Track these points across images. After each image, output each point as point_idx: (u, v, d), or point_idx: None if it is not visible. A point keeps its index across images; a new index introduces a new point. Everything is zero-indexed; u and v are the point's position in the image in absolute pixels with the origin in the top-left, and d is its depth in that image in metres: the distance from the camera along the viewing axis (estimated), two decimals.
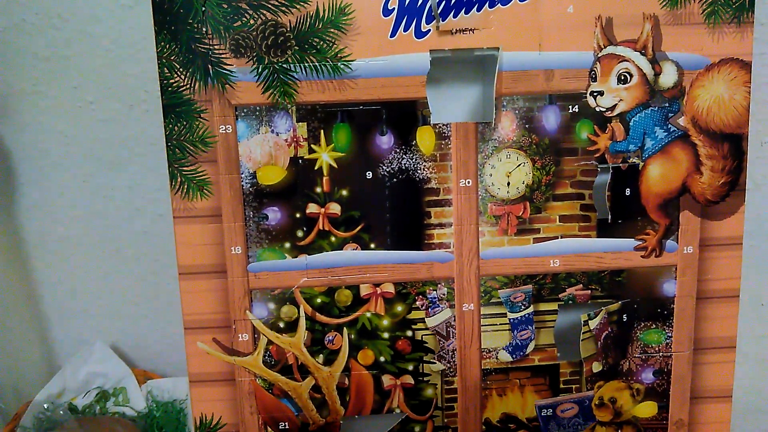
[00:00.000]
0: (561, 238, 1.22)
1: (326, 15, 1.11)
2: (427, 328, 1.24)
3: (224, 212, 1.17)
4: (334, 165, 1.18)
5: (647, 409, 1.29)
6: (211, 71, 1.12)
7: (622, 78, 1.16)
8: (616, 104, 1.17)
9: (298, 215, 1.19)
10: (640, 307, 1.25)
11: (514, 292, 1.23)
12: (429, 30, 1.13)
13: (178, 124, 1.14)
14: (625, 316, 1.25)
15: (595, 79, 1.16)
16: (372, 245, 1.20)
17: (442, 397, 1.27)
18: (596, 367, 1.27)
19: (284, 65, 1.13)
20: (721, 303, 1.25)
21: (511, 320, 1.25)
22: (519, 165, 1.20)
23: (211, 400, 1.24)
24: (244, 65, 1.13)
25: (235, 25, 1.11)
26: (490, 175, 1.20)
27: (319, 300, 1.22)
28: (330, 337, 1.23)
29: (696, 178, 1.19)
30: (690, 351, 1.26)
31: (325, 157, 1.17)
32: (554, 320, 1.25)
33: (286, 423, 1.25)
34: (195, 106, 1.14)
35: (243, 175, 1.17)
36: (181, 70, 1.12)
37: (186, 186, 1.16)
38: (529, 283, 1.23)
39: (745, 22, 1.15)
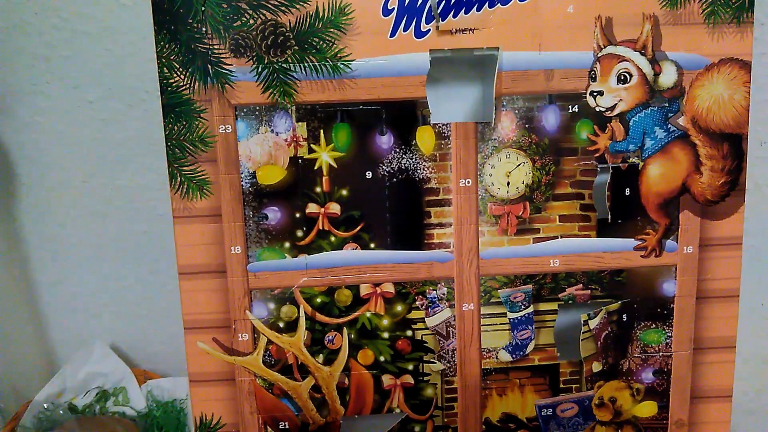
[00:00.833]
0: (561, 237, 1.22)
1: (326, 15, 1.11)
2: (427, 328, 1.24)
3: (224, 212, 1.17)
4: (334, 165, 1.18)
5: (647, 409, 1.29)
6: (210, 71, 1.12)
7: (622, 78, 1.16)
8: (616, 104, 1.17)
9: (297, 215, 1.19)
10: (639, 307, 1.25)
11: (514, 292, 1.24)
12: (429, 30, 1.13)
13: (178, 124, 1.14)
14: (624, 316, 1.26)
15: (594, 79, 1.16)
16: (372, 245, 1.21)
17: (442, 397, 1.27)
18: (596, 366, 1.27)
19: (284, 65, 1.13)
20: (721, 303, 1.25)
21: (511, 320, 1.25)
22: (519, 165, 1.20)
23: (211, 400, 1.24)
24: (243, 65, 1.13)
25: (234, 24, 1.11)
26: (490, 174, 1.20)
27: (319, 300, 1.22)
28: (330, 337, 1.23)
29: (696, 178, 1.19)
30: (690, 351, 1.26)
31: (325, 157, 1.17)
32: (554, 320, 1.26)
33: (286, 423, 1.25)
34: (195, 105, 1.14)
35: (243, 175, 1.17)
36: (180, 69, 1.12)
37: (186, 186, 1.16)
38: (529, 283, 1.24)
39: (745, 22, 1.15)
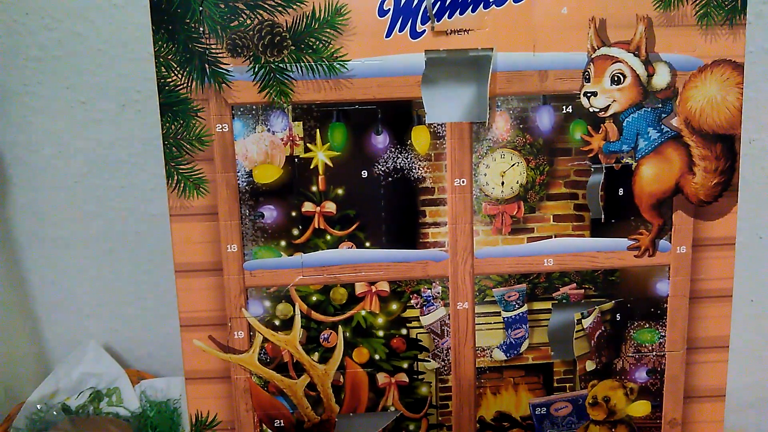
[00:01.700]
0: (555, 237, 1.23)
1: (322, 15, 1.12)
2: (421, 327, 1.25)
3: (220, 210, 1.17)
4: (330, 164, 1.18)
5: (641, 408, 1.30)
6: (208, 70, 1.13)
7: (616, 79, 1.17)
8: (610, 105, 1.18)
9: (293, 214, 1.19)
10: (633, 307, 1.26)
11: (508, 291, 1.24)
12: (424, 30, 1.14)
13: (175, 123, 1.14)
14: (618, 316, 1.26)
15: (588, 80, 1.17)
16: (367, 244, 1.21)
17: (436, 396, 1.27)
18: (590, 366, 1.28)
19: (280, 65, 1.13)
20: (714, 303, 1.25)
21: (505, 319, 1.25)
22: (513, 165, 1.20)
23: (206, 398, 1.24)
24: (240, 64, 1.13)
25: (232, 24, 1.11)
26: (485, 174, 1.20)
27: (314, 298, 1.22)
28: (325, 335, 1.23)
29: (689, 179, 1.20)
30: (683, 350, 1.27)
31: (321, 156, 1.18)
32: (548, 319, 1.26)
33: (282, 420, 1.25)
34: (192, 104, 1.14)
35: (239, 174, 1.17)
36: (178, 69, 1.12)
37: (182, 184, 1.16)
38: (523, 282, 1.24)
39: (738, 23, 1.16)
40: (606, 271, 1.24)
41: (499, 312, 1.25)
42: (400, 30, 1.13)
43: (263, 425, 1.26)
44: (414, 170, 1.19)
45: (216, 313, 1.21)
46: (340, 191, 1.19)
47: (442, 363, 1.26)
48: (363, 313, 1.23)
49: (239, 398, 1.24)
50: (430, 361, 1.26)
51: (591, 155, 1.20)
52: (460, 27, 1.14)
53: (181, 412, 1.50)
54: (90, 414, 1.49)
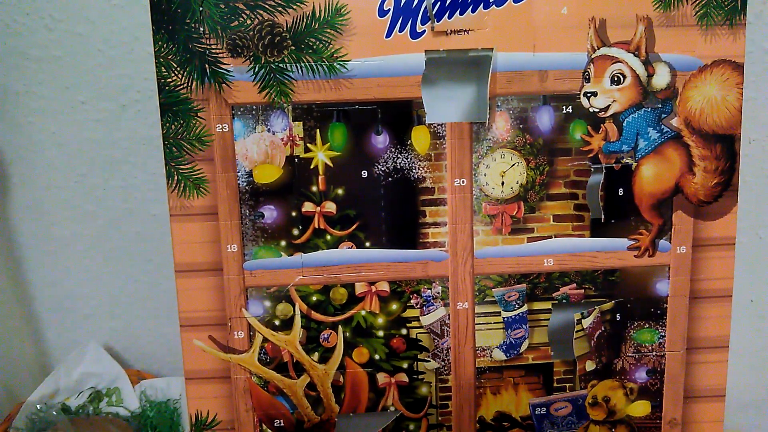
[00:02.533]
0: (555, 237, 1.23)
1: (322, 15, 1.12)
2: (421, 327, 1.25)
3: (220, 210, 1.17)
4: (330, 164, 1.18)
5: (641, 408, 1.30)
6: (208, 70, 1.13)
7: (616, 79, 1.17)
8: (610, 105, 1.18)
9: (293, 214, 1.19)
10: (633, 307, 1.26)
11: (508, 291, 1.24)
12: (424, 31, 1.14)
13: (175, 123, 1.14)
14: (618, 316, 1.26)
15: (588, 80, 1.17)
16: (367, 244, 1.21)
17: (436, 395, 1.27)
18: (590, 365, 1.28)
19: (281, 65, 1.13)
20: (714, 303, 1.25)
21: (505, 319, 1.25)
22: (513, 165, 1.20)
23: (206, 398, 1.24)
24: (240, 65, 1.13)
25: (232, 24, 1.11)
26: (485, 174, 1.20)
27: (314, 298, 1.22)
28: (325, 335, 1.23)
29: (689, 179, 1.20)
30: (683, 350, 1.27)
31: (321, 156, 1.18)
32: (548, 319, 1.26)
33: (282, 420, 1.25)
34: (192, 105, 1.14)
35: (239, 174, 1.17)
36: (178, 69, 1.13)
37: (183, 184, 1.16)
38: (523, 282, 1.24)
39: (738, 24, 1.16)
40: (606, 271, 1.24)
41: (499, 312, 1.25)
42: (400, 30, 1.13)
43: (263, 425, 1.26)
44: (414, 170, 1.19)
45: (216, 313, 1.21)
46: (340, 191, 1.19)
47: (442, 363, 1.26)
48: (363, 313, 1.23)
49: (239, 398, 1.24)
50: (430, 361, 1.26)
51: (591, 155, 1.20)
52: (460, 27, 1.14)
53: (181, 412, 1.50)
54: (90, 414, 1.49)
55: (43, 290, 1.66)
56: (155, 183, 1.56)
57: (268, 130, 1.17)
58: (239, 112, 1.16)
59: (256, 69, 1.13)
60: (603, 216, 1.22)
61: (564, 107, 1.18)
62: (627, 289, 1.25)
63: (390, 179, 1.19)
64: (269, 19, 1.11)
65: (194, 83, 1.13)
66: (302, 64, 1.13)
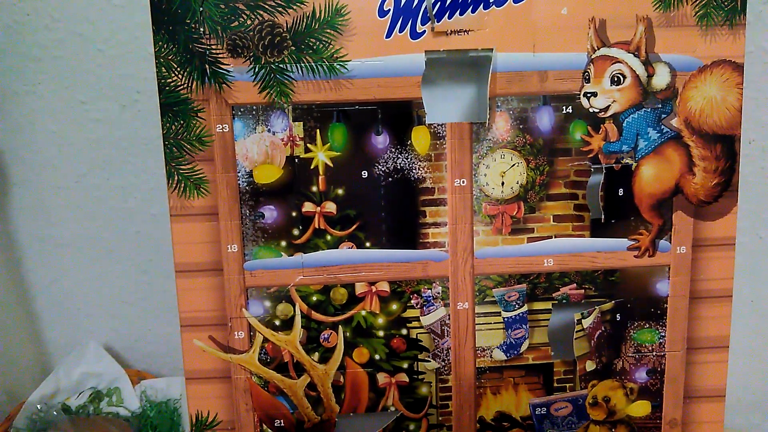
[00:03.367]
0: (555, 237, 1.23)
1: (322, 16, 1.12)
2: (421, 327, 1.25)
3: (221, 210, 1.17)
4: (330, 164, 1.18)
5: (641, 409, 1.30)
6: (208, 71, 1.13)
7: (616, 79, 1.17)
8: (610, 105, 1.18)
9: (294, 214, 1.19)
10: (633, 307, 1.26)
11: (509, 291, 1.24)
12: (424, 31, 1.14)
13: (176, 123, 1.14)
14: (618, 316, 1.26)
15: (588, 81, 1.17)
16: (367, 244, 1.21)
17: (436, 396, 1.27)
18: (590, 366, 1.28)
19: (281, 65, 1.13)
20: (714, 303, 1.25)
21: (506, 319, 1.25)
22: (513, 165, 1.20)
23: (206, 398, 1.24)
24: (241, 65, 1.13)
25: (232, 25, 1.11)
26: (485, 174, 1.20)
27: (314, 298, 1.22)
28: (325, 335, 1.23)
29: (689, 179, 1.20)
30: (683, 350, 1.27)
31: (321, 157, 1.18)
32: (548, 319, 1.26)
33: (282, 420, 1.25)
34: (192, 105, 1.14)
35: (239, 174, 1.17)
36: (178, 69, 1.13)
37: (183, 184, 1.16)
38: (523, 282, 1.24)
39: (738, 24, 1.16)
40: (606, 271, 1.24)
41: (499, 312, 1.25)
42: (401, 30, 1.13)
43: (263, 425, 1.26)
44: (414, 170, 1.19)
45: (216, 313, 1.21)
46: (340, 191, 1.19)
47: (442, 363, 1.26)
48: (363, 313, 1.23)
49: (239, 398, 1.24)
50: (430, 361, 1.26)
51: (591, 155, 1.20)
52: (460, 27, 1.14)
53: (181, 412, 1.50)
54: (90, 414, 1.49)
55: (43, 290, 1.66)
56: (155, 183, 1.56)
57: (269, 131, 1.17)
58: (239, 113, 1.16)
59: (257, 69, 1.13)
60: (603, 216, 1.22)
61: (564, 107, 1.18)
62: (627, 289, 1.25)
63: (390, 179, 1.19)
64: (269, 19, 1.11)
65: (194, 83, 1.13)
66: (302, 64, 1.13)
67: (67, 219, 1.60)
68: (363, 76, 1.14)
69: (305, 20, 1.12)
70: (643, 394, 1.29)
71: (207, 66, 1.13)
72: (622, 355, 1.28)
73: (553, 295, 1.25)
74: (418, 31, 1.14)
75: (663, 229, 1.22)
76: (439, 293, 1.23)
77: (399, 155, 1.18)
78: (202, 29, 1.11)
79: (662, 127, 1.19)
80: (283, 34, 1.12)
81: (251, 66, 1.13)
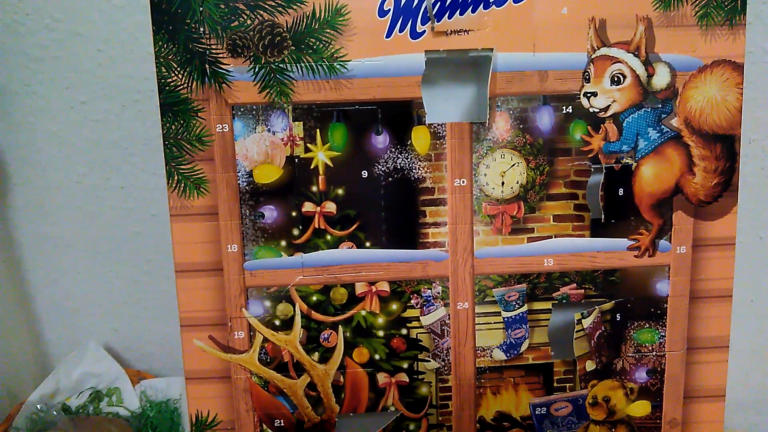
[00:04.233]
0: (555, 237, 1.23)
1: (322, 15, 1.12)
2: (421, 327, 1.25)
3: (221, 210, 1.18)
4: (330, 164, 1.18)
5: (641, 408, 1.30)
6: (208, 71, 1.13)
7: (616, 79, 1.17)
8: (610, 105, 1.18)
9: (294, 214, 1.19)
10: (633, 307, 1.26)
11: (509, 291, 1.24)
12: (424, 31, 1.14)
13: (176, 123, 1.14)
14: (618, 316, 1.26)
15: (588, 80, 1.17)
16: (367, 244, 1.21)
17: (436, 395, 1.27)
18: (590, 365, 1.28)
19: (281, 65, 1.13)
20: (714, 303, 1.25)
21: (506, 319, 1.25)
22: (513, 165, 1.20)
23: (206, 398, 1.24)
24: (241, 65, 1.13)
25: (232, 25, 1.11)
26: (485, 174, 1.20)
27: (314, 298, 1.22)
28: (325, 335, 1.23)
29: (689, 179, 1.20)
30: (683, 350, 1.27)
31: (321, 156, 1.18)
32: (548, 319, 1.26)
33: (282, 420, 1.25)
34: (192, 105, 1.14)
35: (239, 174, 1.17)
36: (178, 69, 1.13)
37: (183, 184, 1.16)
38: (523, 282, 1.24)
39: (738, 24, 1.16)
40: (606, 271, 1.24)
41: (499, 312, 1.25)
42: (401, 30, 1.13)
43: (263, 425, 1.26)
44: (414, 170, 1.19)
45: (216, 313, 1.21)
46: (340, 191, 1.19)
47: (442, 363, 1.26)
48: (363, 313, 1.23)
49: (239, 398, 1.24)
50: (430, 361, 1.26)
51: (591, 155, 1.20)
52: (460, 27, 1.14)
53: (181, 412, 1.50)
54: (90, 414, 1.49)
55: (43, 290, 1.66)
56: (155, 183, 1.56)
57: (269, 130, 1.17)
58: (239, 112, 1.16)
59: (257, 69, 1.13)
60: (603, 216, 1.22)
61: (564, 107, 1.18)
62: (627, 289, 1.25)
63: (390, 179, 1.19)
64: (269, 19, 1.12)
65: (194, 83, 1.13)
66: (302, 64, 1.13)
67: (67, 219, 1.60)
68: (363, 76, 1.15)
69: (305, 20, 1.12)
70: (643, 394, 1.29)
71: (207, 66, 1.13)
72: (622, 355, 1.28)
73: (553, 295, 1.25)
74: (418, 31, 1.14)
75: (663, 229, 1.22)
76: (439, 293, 1.23)
77: (399, 155, 1.19)
78: (202, 29, 1.11)
79: (662, 127, 1.19)
80: (283, 34, 1.12)
81: (251, 66, 1.13)
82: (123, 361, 1.67)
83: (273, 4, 1.11)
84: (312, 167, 1.18)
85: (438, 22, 1.13)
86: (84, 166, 1.57)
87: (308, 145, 1.18)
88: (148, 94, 1.52)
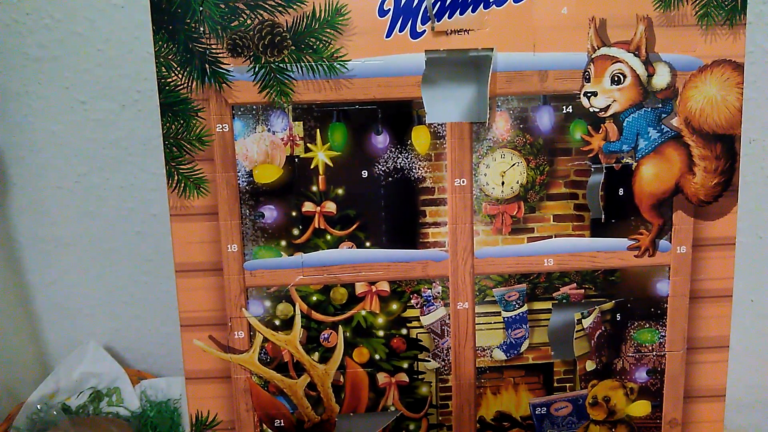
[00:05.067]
0: (555, 237, 1.23)
1: (322, 15, 1.12)
2: (421, 327, 1.25)
3: (221, 210, 1.18)
4: (330, 164, 1.18)
5: (641, 408, 1.30)
6: (208, 70, 1.13)
7: (616, 79, 1.17)
8: (610, 105, 1.18)
9: (294, 213, 1.19)
10: (633, 307, 1.26)
11: (509, 291, 1.24)
12: (424, 31, 1.14)
13: (176, 123, 1.14)
14: (618, 315, 1.26)
15: (588, 80, 1.17)
16: (367, 244, 1.21)
17: (436, 395, 1.27)
18: (590, 365, 1.28)
19: (281, 65, 1.13)
20: (714, 303, 1.25)
21: (506, 319, 1.25)
22: (513, 165, 1.20)
23: (206, 397, 1.24)
24: (241, 65, 1.13)
25: (232, 24, 1.11)
26: (485, 174, 1.20)
27: (314, 298, 1.22)
28: (325, 335, 1.23)
29: (689, 179, 1.20)
30: (683, 350, 1.27)
31: (321, 156, 1.18)
32: (548, 319, 1.26)
33: (282, 420, 1.25)
34: (192, 104, 1.14)
35: (239, 174, 1.17)
36: (178, 69, 1.13)
37: (183, 184, 1.16)
38: (523, 282, 1.24)
39: (738, 23, 1.16)
40: (606, 271, 1.24)
41: (499, 312, 1.25)
42: (401, 30, 1.13)
43: (263, 425, 1.26)
44: (414, 170, 1.19)
45: (216, 313, 1.21)
46: (340, 191, 1.19)
47: (442, 363, 1.26)
48: (363, 313, 1.23)
49: (239, 398, 1.24)
50: (430, 361, 1.26)
51: (591, 155, 1.20)
52: (460, 27, 1.14)
53: (181, 412, 1.50)
54: (90, 414, 1.49)
55: (43, 290, 1.66)
56: (155, 183, 1.56)
57: (269, 130, 1.17)
58: (239, 112, 1.16)
59: (256, 69, 1.13)
60: (603, 216, 1.22)
61: (564, 107, 1.18)
62: (627, 289, 1.25)
63: (390, 179, 1.19)
64: (269, 19, 1.11)
65: (194, 83, 1.13)
66: (302, 64, 1.13)
67: (67, 219, 1.60)
68: (363, 76, 1.15)
69: (305, 20, 1.12)
70: (643, 394, 1.29)
71: (207, 66, 1.13)
72: (622, 354, 1.28)
73: (553, 294, 1.25)
74: (418, 31, 1.14)
75: (663, 228, 1.22)
76: (439, 293, 1.23)
77: (399, 155, 1.18)
78: (202, 29, 1.11)
79: (662, 126, 1.19)
80: (283, 34, 1.12)
81: (251, 66, 1.13)
82: (123, 361, 1.67)
83: (273, 3, 1.11)
84: (312, 167, 1.18)
85: (438, 21, 1.13)
86: (84, 166, 1.57)
87: (308, 144, 1.18)
88: (148, 94, 1.52)
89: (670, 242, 1.23)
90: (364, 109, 1.17)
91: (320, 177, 1.18)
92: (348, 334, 1.24)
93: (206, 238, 1.18)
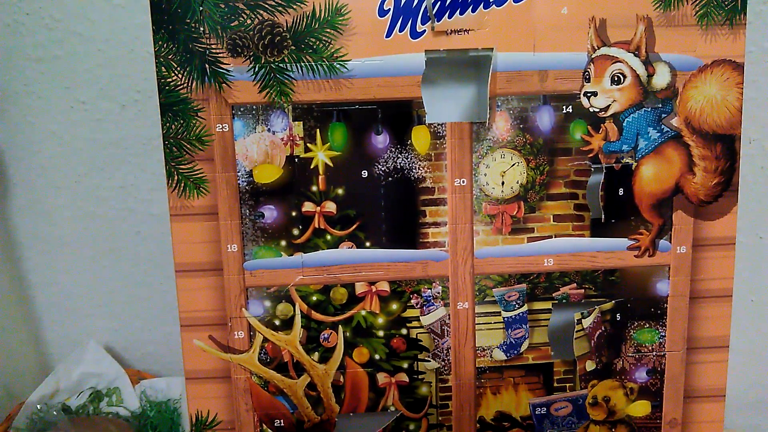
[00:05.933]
0: (555, 237, 1.23)
1: (322, 15, 1.12)
2: (421, 327, 1.25)
3: (220, 210, 1.17)
4: (330, 164, 1.18)
5: (641, 408, 1.30)
6: (208, 70, 1.13)
7: (616, 79, 1.17)
8: (610, 105, 1.18)
9: (294, 213, 1.19)
10: (633, 307, 1.26)
11: (509, 291, 1.24)
12: (424, 30, 1.14)
13: (175, 123, 1.14)
14: (618, 315, 1.26)
15: (588, 80, 1.17)
16: (367, 244, 1.21)
17: (436, 395, 1.27)
18: (590, 365, 1.28)
19: (281, 65, 1.13)
20: (714, 303, 1.25)
21: (506, 319, 1.25)
22: (513, 165, 1.20)
23: (206, 397, 1.24)
24: (241, 64, 1.13)
25: (232, 24, 1.11)
26: (485, 174, 1.20)
27: (314, 298, 1.22)
28: (325, 335, 1.23)
29: (689, 179, 1.20)
30: (683, 350, 1.27)
31: (321, 156, 1.18)
32: (548, 319, 1.26)
33: (282, 420, 1.25)
34: (192, 104, 1.14)
35: (239, 174, 1.17)
36: (178, 69, 1.12)
37: (183, 184, 1.16)
38: (523, 282, 1.24)
39: (738, 23, 1.16)
40: (606, 271, 1.24)
41: (499, 312, 1.25)
42: (401, 30, 1.13)
43: (263, 425, 1.26)
44: (414, 170, 1.19)
45: (216, 313, 1.21)
46: (340, 191, 1.19)
47: (442, 363, 1.26)
48: (363, 313, 1.23)
49: (239, 398, 1.24)
50: (430, 361, 1.26)
51: (591, 155, 1.20)
52: (460, 27, 1.14)
53: (181, 412, 1.50)
54: (90, 414, 1.49)
55: (43, 290, 1.66)
56: (155, 183, 1.56)
57: (268, 130, 1.17)
58: (239, 112, 1.16)
59: (256, 69, 1.13)
60: (603, 216, 1.22)
61: (564, 107, 1.18)
62: (627, 289, 1.25)
63: (390, 179, 1.19)
64: (269, 18, 1.11)
65: (194, 83, 1.13)
66: (302, 64, 1.13)
67: (67, 219, 1.60)
68: (363, 76, 1.14)
69: (305, 20, 1.12)
70: (643, 394, 1.29)
71: (207, 65, 1.13)
72: (622, 354, 1.28)
73: (553, 294, 1.25)
74: (418, 31, 1.14)
75: (663, 228, 1.22)
76: (439, 293, 1.23)
77: (399, 155, 1.18)
78: (202, 29, 1.11)
79: (662, 126, 1.19)
80: (283, 34, 1.12)
81: (251, 65, 1.13)
82: (123, 361, 1.67)
83: (273, 3, 1.11)
84: (312, 167, 1.18)
85: (438, 21, 1.13)
86: (84, 166, 1.57)
87: (308, 144, 1.17)
88: (148, 94, 1.52)
89: (670, 242, 1.23)
90: (364, 109, 1.17)
91: (320, 177, 1.18)
92: (348, 334, 1.24)
93: (206, 238, 1.18)
